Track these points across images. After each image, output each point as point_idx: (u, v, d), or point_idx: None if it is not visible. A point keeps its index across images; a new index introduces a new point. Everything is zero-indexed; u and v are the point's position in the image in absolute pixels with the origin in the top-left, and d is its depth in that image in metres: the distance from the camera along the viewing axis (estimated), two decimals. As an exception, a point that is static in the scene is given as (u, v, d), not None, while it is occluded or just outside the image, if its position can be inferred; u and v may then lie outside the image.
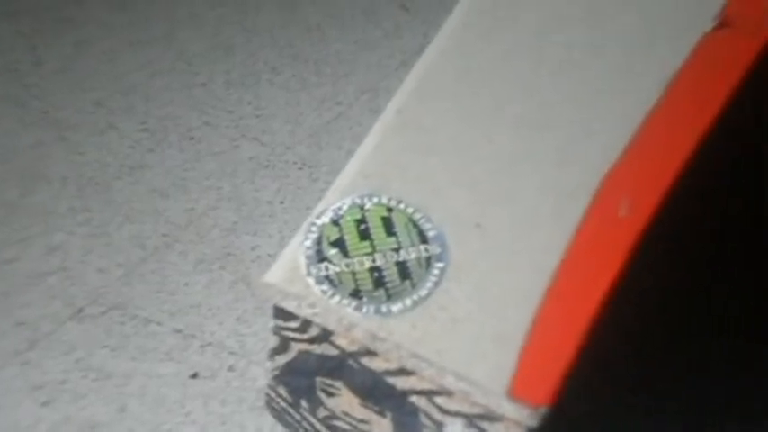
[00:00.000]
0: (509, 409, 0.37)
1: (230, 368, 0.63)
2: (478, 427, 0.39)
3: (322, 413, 0.48)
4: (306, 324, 0.44)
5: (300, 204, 0.76)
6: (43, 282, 0.68)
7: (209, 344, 0.65)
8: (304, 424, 0.50)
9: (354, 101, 0.86)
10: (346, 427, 0.48)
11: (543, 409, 0.36)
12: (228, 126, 0.84)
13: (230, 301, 0.68)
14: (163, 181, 0.78)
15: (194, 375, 0.62)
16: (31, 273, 0.69)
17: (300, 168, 0.80)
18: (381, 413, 0.45)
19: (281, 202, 0.76)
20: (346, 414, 0.47)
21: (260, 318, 0.67)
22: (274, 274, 0.44)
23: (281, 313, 0.44)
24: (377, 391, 0.44)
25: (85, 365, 0.63)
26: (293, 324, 0.44)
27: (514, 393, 0.37)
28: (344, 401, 0.46)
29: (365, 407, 0.46)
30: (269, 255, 0.72)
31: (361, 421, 0.47)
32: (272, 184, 0.78)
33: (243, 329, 0.66)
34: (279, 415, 0.54)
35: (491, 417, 0.38)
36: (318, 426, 0.49)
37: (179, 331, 0.66)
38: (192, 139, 0.82)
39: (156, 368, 0.63)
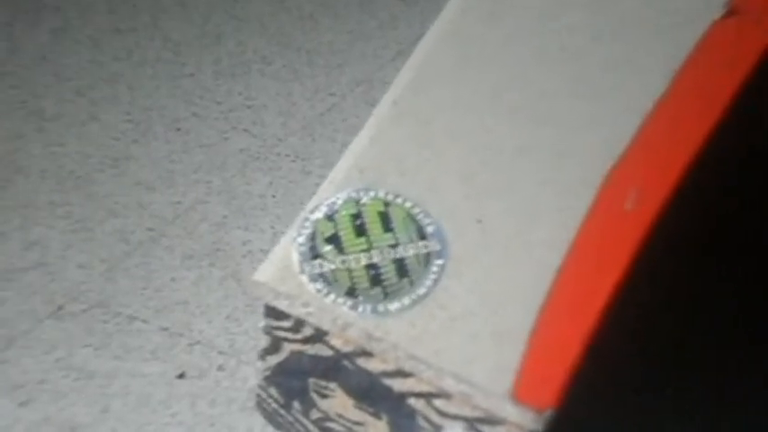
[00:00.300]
0: (511, 412, 0.35)
1: (219, 368, 0.61)
2: (479, 431, 0.38)
3: (315, 415, 0.46)
4: (299, 324, 0.42)
5: (293, 198, 0.74)
6: (21, 278, 0.66)
7: (198, 342, 0.63)
8: (296, 425, 0.49)
9: (348, 92, 0.84)
10: (340, 428, 0.46)
11: (548, 413, 0.35)
12: (218, 117, 0.81)
13: (220, 298, 0.66)
14: (148, 173, 0.75)
15: (181, 375, 0.60)
16: (9, 268, 0.67)
17: (293, 161, 0.78)
18: (377, 415, 0.43)
19: (273, 196, 0.74)
20: (340, 416, 0.45)
21: (251, 316, 0.65)
22: (265, 272, 0.41)
23: (273, 312, 0.42)
24: (373, 393, 0.42)
25: (66, 365, 0.60)
26: (285, 324, 0.42)
27: (517, 396, 0.35)
28: (338, 403, 0.44)
29: (360, 409, 0.44)
30: (260, 250, 0.70)
31: (356, 423, 0.45)
32: (264, 177, 0.76)
33: (233, 328, 0.64)
34: (270, 416, 0.52)
35: (492, 420, 0.37)
36: (311, 427, 0.47)
37: (165, 329, 0.64)
38: (179, 130, 0.79)
39: (141, 367, 0.61)
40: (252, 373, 0.60)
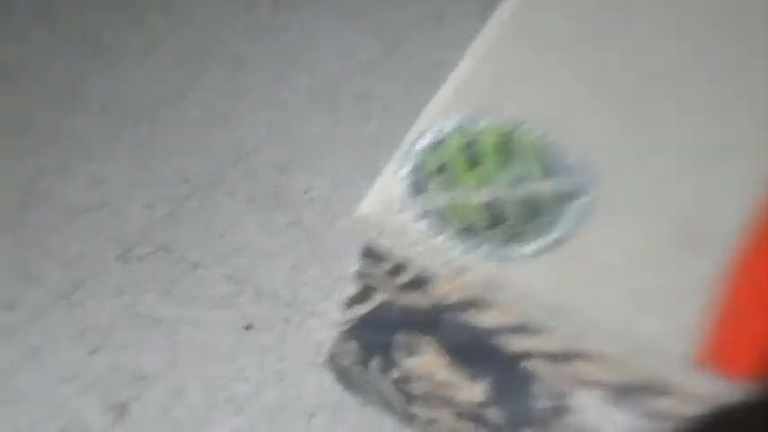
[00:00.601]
0: (691, 379, 0.29)
1: (286, 320, 0.58)
2: (628, 400, 0.32)
3: (395, 374, 0.41)
4: (399, 268, 0.36)
5: (354, 141, 0.68)
6: (88, 217, 0.62)
7: (263, 293, 0.59)
8: (370, 385, 0.44)
9: (413, 30, 0.76)
10: (422, 390, 0.41)
11: (743, 383, 0.28)
12: (277, 55, 0.75)
13: (284, 245, 0.62)
14: (208, 112, 0.70)
15: (248, 327, 0.57)
16: (75, 208, 0.63)
17: (353, 102, 0.71)
18: (476, 377, 0.38)
19: (334, 138, 0.69)
20: (426, 376, 0.40)
21: (316, 264, 0.60)
22: (367, 208, 0.36)
23: (371, 254, 0.37)
24: (476, 352, 0.37)
25: (133, 311, 0.57)
26: (383, 268, 0.37)
27: (701, 362, 0.29)
28: (428, 361, 0.39)
29: (455, 369, 0.38)
30: (323, 195, 0.65)
31: (444, 385, 0.40)
32: (324, 118, 0.70)
33: (298, 277, 0.60)
34: (342, 373, 0.47)
35: (651, 387, 0.31)
36: (387, 388, 0.43)
37: (230, 277, 0.60)
38: (238, 67, 0.74)
39: (207, 317, 0.58)
40: (318, 326, 0.56)
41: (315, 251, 0.61)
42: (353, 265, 0.38)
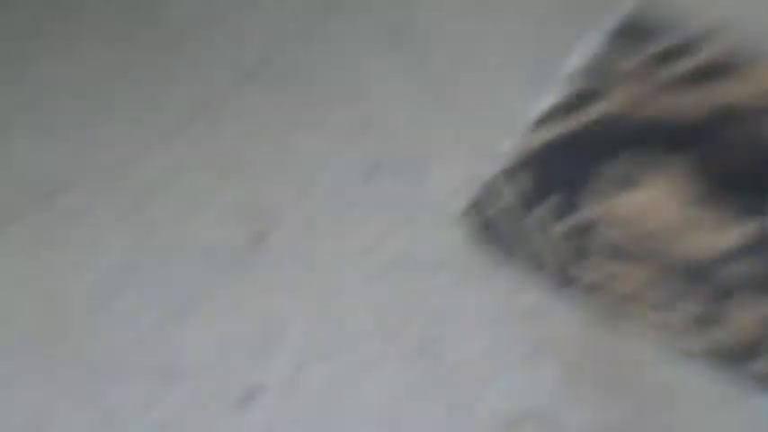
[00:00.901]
0: None
1: (412, 167, 0.51)
2: None
3: (564, 225, 0.34)
4: (678, 51, 0.27)
5: None
6: (201, 35, 0.57)
7: (389, 134, 0.52)
8: (521, 238, 0.37)
9: None
10: (614, 241, 0.33)
11: None
12: None
13: (408, 83, 0.54)
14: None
15: (373, 169, 0.50)
16: (191, 24, 0.57)
17: None
18: (741, 215, 0.29)
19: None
20: (636, 220, 0.32)
21: (443, 110, 0.53)
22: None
23: (631, 32, 0.27)
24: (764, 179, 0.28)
25: (260, 140, 0.52)
26: (645, 52, 0.27)
27: None
28: (637, 200, 0.31)
29: (707, 205, 0.30)
30: (450, 32, 0.55)
31: (660, 231, 0.31)
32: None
33: (423, 120, 0.53)
34: (482, 225, 0.40)
35: None
36: (548, 241, 0.35)
37: (356, 114, 0.54)
38: None
39: (334, 154, 0.52)
40: (448, 175, 0.49)
41: (441, 96, 0.54)
42: (563, 65, 0.29)
